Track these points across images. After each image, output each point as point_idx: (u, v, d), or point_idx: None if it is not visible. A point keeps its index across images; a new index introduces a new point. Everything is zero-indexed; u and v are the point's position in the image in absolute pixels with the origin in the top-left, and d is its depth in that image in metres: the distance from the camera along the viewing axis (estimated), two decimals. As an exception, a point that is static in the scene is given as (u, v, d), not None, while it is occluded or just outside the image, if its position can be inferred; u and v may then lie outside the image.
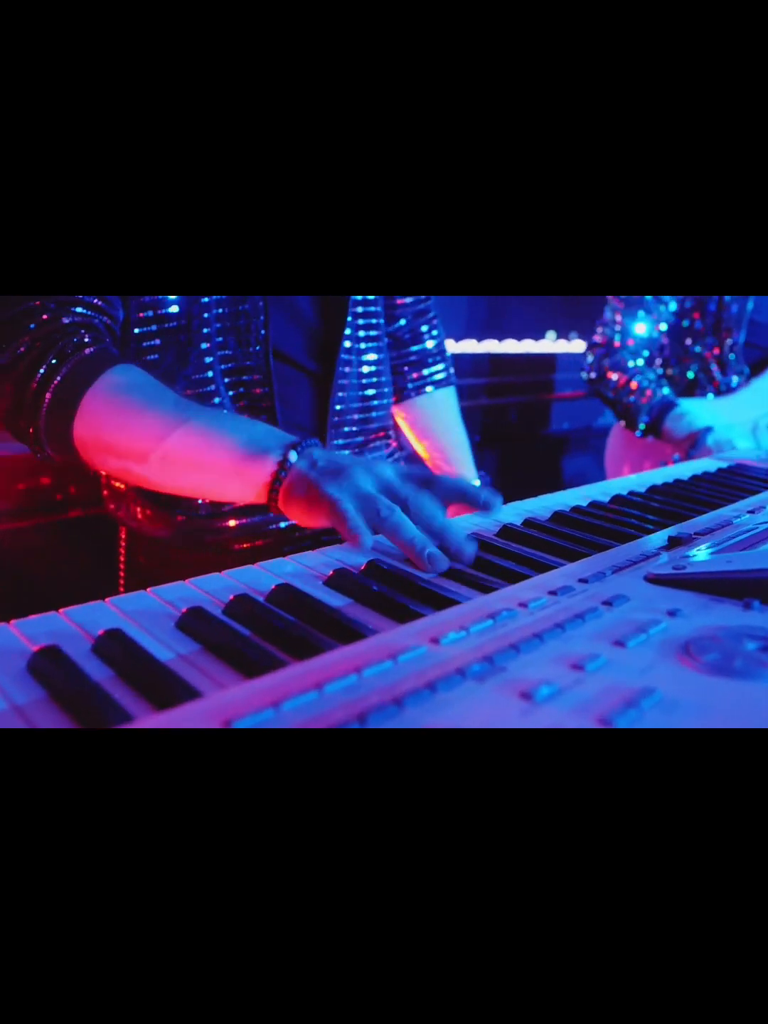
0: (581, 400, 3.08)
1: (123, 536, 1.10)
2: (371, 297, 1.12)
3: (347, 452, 0.73)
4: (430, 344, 1.31)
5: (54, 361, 0.80)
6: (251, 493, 0.74)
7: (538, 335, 3.33)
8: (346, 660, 0.46)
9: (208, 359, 0.97)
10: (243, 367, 0.99)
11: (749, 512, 0.91)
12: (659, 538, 0.78)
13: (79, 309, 0.86)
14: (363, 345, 1.12)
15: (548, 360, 2.94)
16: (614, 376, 1.98)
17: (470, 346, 2.80)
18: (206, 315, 0.96)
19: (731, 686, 0.44)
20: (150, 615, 0.57)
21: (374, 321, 1.14)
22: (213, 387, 0.98)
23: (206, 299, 0.95)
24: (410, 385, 1.31)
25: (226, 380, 0.99)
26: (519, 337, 3.08)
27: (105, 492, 1.10)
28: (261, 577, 0.66)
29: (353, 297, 1.09)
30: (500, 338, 2.96)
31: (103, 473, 0.88)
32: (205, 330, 0.96)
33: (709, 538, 0.78)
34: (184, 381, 0.97)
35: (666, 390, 1.96)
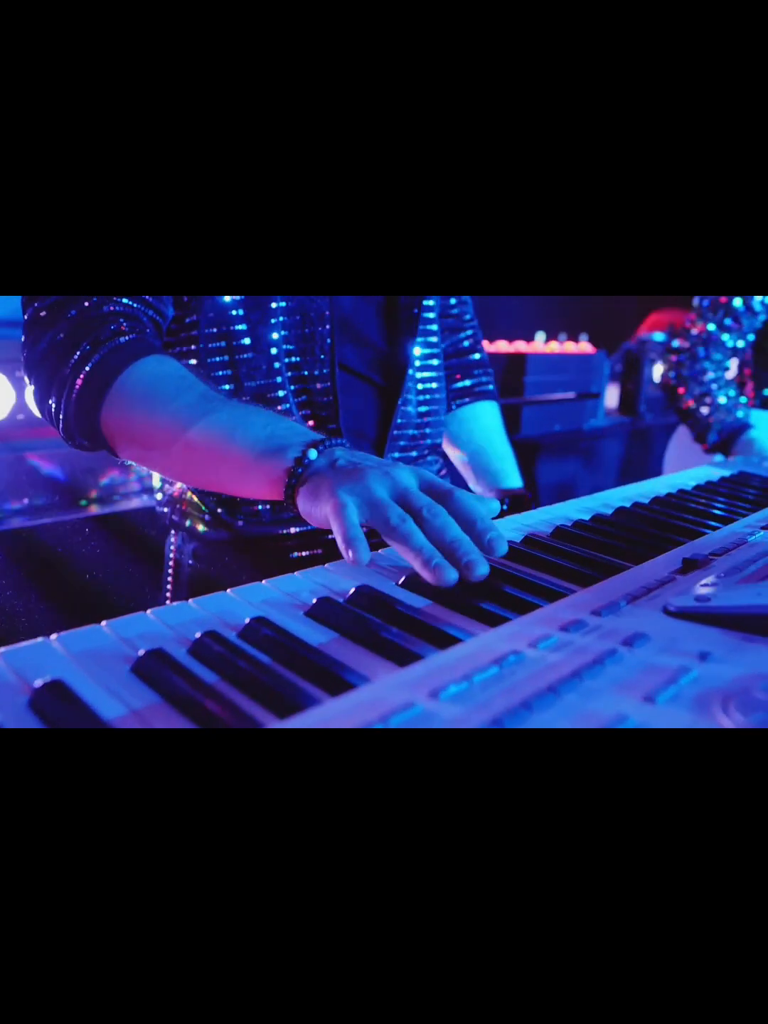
0: (553, 405, 3.01)
1: (174, 540, 1.09)
2: (432, 315, 1.12)
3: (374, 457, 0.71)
4: (475, 356, 1.31)
5: (88, 347, 0.79)
6: (268, 488, 0.72)
7: (527, 336, 3.27)
8: (331, 721, 0.39)
9: (276, 364, 0.97)
10: (308, 376, 0.99)
11: (763, 528, 0.85)
12: (672, 560, 0.71)
13: (125, 300, 0.85)
14: (419, 361, 1.11)
15: (518, 362, 2.87)
16: (692, 387, 1.92)
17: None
18: (272, 321, 0.96)
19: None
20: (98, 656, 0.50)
21: (433, 339, 1.14)
22: (281, 392, 0.98)
23: (273, 305, 0.96)
24: (452, 399, 1.30)
25: (293, 388, 0.99)
26: (510, 339, 3.01)
27: (159, 495, 1.09)
28: (234, 606, 0.59)
29: (423, 314, 1.09)
30: (492, 339, 2.90)
31: (131, 463, 0.86)
32: (272, 337, 0.97)
33: (726, 560, 0.72)
34: (251, 385, 0.97)
35: (740, 413, 1.89)
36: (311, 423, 1.01)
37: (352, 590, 0.61)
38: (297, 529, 1.00)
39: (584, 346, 3.34)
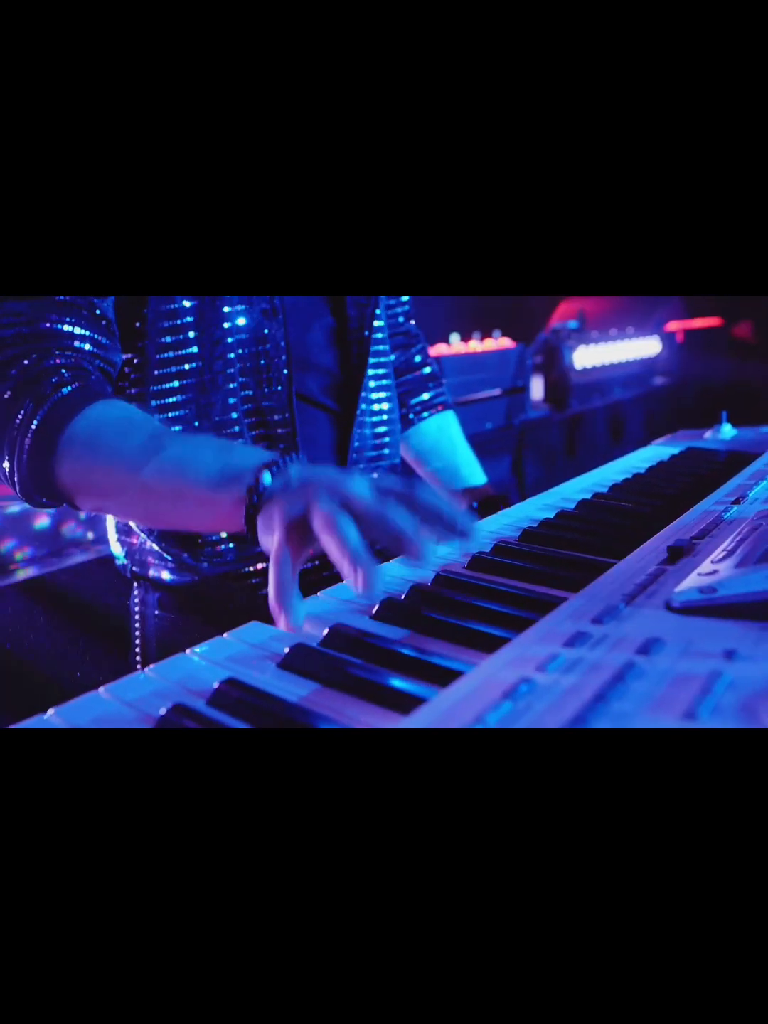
0: (481, 404, 2.99)
1: (137, 593, 1.04)
2: (381, 336, 1.10)
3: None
4: (426, 370, 1.29)
5: (31, 405, 0.76)
6: (231, 522, 0.66)
7: (443, 338, 3.25)
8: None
9: (232, 399, 0.94)
10: (265, 408, 0.96)
11: (733, 503, 0.82)
12: (654, 549, 0.67)
13: (57, 351, 0.80)
14: (373, 383, 1.09)
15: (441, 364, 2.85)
16: None
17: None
18: (229, 355, 0.93)
19: None
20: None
21: (383, 360, 1.11)
22: (237, 429, 0.94)
23: (229, 340, 0.93)
24: (410, 415, 1.28)
25: (248, 421, 0.96)
26: (429, 343, 2.99)
27: (118, 548, 1.05)
28: (195, 668, 0.52)
29: (373, 336, 1.07)
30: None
31: (89, 513, 0.80)
32: (229, 371, 0.94)
33: (709, 541, 0.68)
34: (207, 424, 0.94)
35: None
36: None
37: (325, 631, 0.55)
38: (263, 565, 0.96)
39: (502, 342, 3.33)
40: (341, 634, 0.54)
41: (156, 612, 1.01)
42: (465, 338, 3.36)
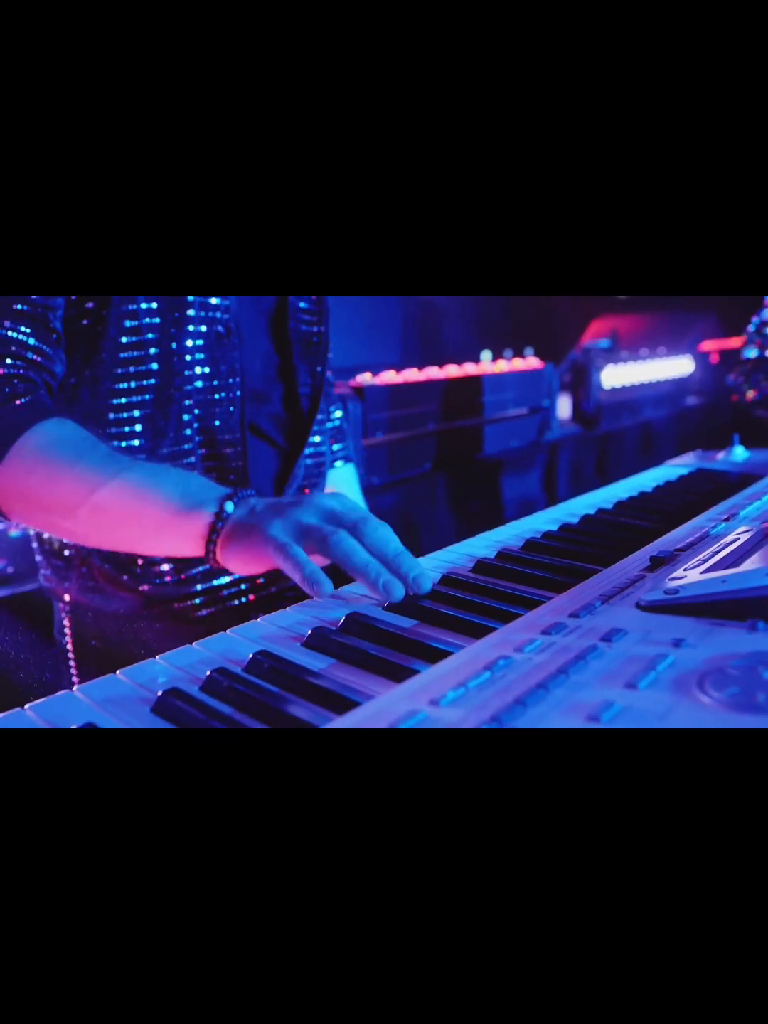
0: (510, 421, 3.07)
1: (68, 623, 1.02)
2: (320, 369, 1.11)
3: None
4: (336, 422, 1.27)
5: None
6: (187, 545, 0.74)
7: (474, 357, 3.34)
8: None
9: (187, 422, 0.94)
10: (219, 438, 0.97)
11: (724, 521, 0.90)
12: (640, 559, 0.75)
13: (9, 360, 0.82)
14: (317, 419, 1.11)
15: (474, 384, 2.93)
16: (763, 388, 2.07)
17: (412, 374, 2.79)
18: (187, 373, 0.93)
19: (760, 723, 0.41)
20: (120, 701, 0.52)
21: (323, 403, 1.13)
22: (191, 458, 0.95)
23: (188, 358, 0.93)
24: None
25: (202, 452, 0.96)
26: (459, 362, 3.07)
27: (46, 570, 1.03)
28: (235, 644, 0.62)
29: (316, 369, 1.09)
30: (441, 364, 2.95)
31: (21, 526, 0.84)
32: (186, 388, 0.93)
33: (690, 553, 0.76)
34: (160, 445, 0.94)
35: None
36: None
37: (342, 619, 0.64)
38: (202, 586, 0.98)
39: (531, 361, 3.42)
40: (356, 621, 0.64)
41: (94, 642, 1.00)
42: (496, 357, 3.45)
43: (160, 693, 0.51)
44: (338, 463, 1.28)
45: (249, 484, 0.98)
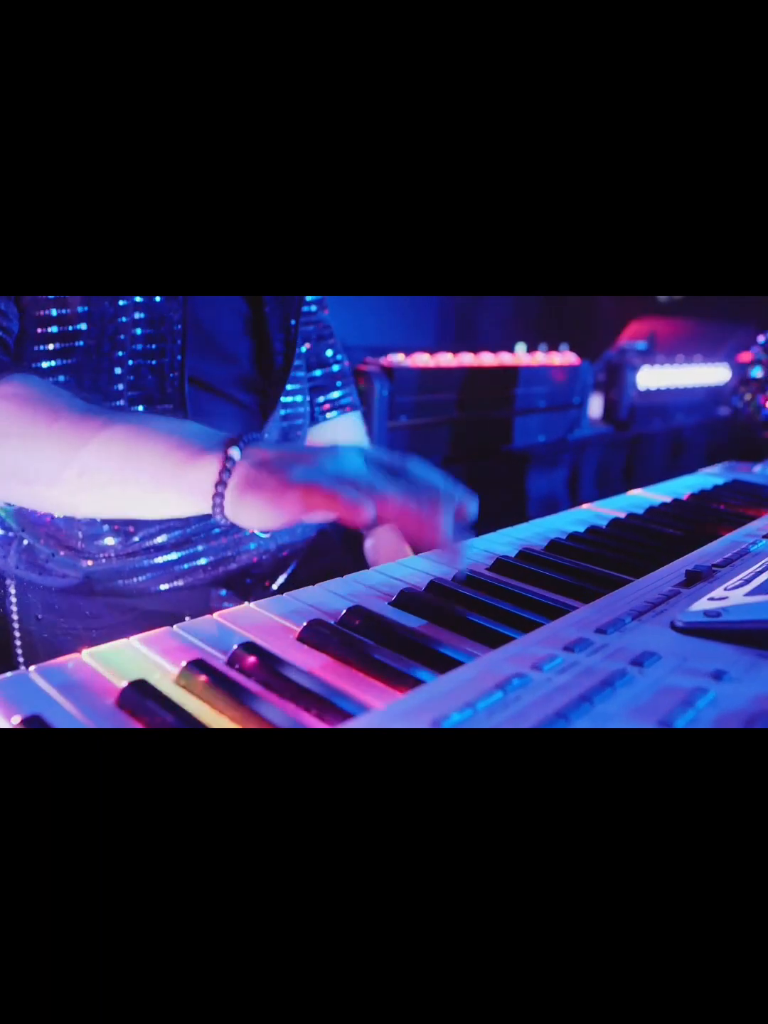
0: (540, 414, 2.99)
1: (13, 591, 0.94)
2: (294, 323, 1.02)
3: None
4: (335, 368, 1.20)
5: None
6: (190, 502, 0.64)
7: (509, 348, 3.26)
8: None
9: (118, 384, 0.85)
10: (154, 393, 0.87)
11: (764, 537, 0.83)
12: (674, 572, 0.69)
13: None
14: (292, 383, 1.03)
15: (510, 374, 2.85)
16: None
17: (446, 359, 2.71)
18: (122, 337, 0.85)
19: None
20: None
21: (301, 350, 1.06)
22: (120, 402, 0.86)
23: (123, 319, 0.84)
24: (317, 412, 1.21)
25: (132, 394, 0.87)
26: (493, 350, 3.00)
27: None
28: (226, 635, 0.56)
29: (290, 323, 1.00)
30: (475, 351, 2.87)
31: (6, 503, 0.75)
32: (118, 354, 0.85)
33: (730, 570, 0.69)
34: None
35: None
36: None
37: (342, 611, 0.58)
38: (148, 562, 0.91)
39: (567, 356, 3.33)
40: (359, 614, 0.58)
41: (39, 616, 0.93)
42: (530, 349, 3.37)
43: (124, 685, 0.45)
44: (332, 414, 1.18)
45: None
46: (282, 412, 1.02)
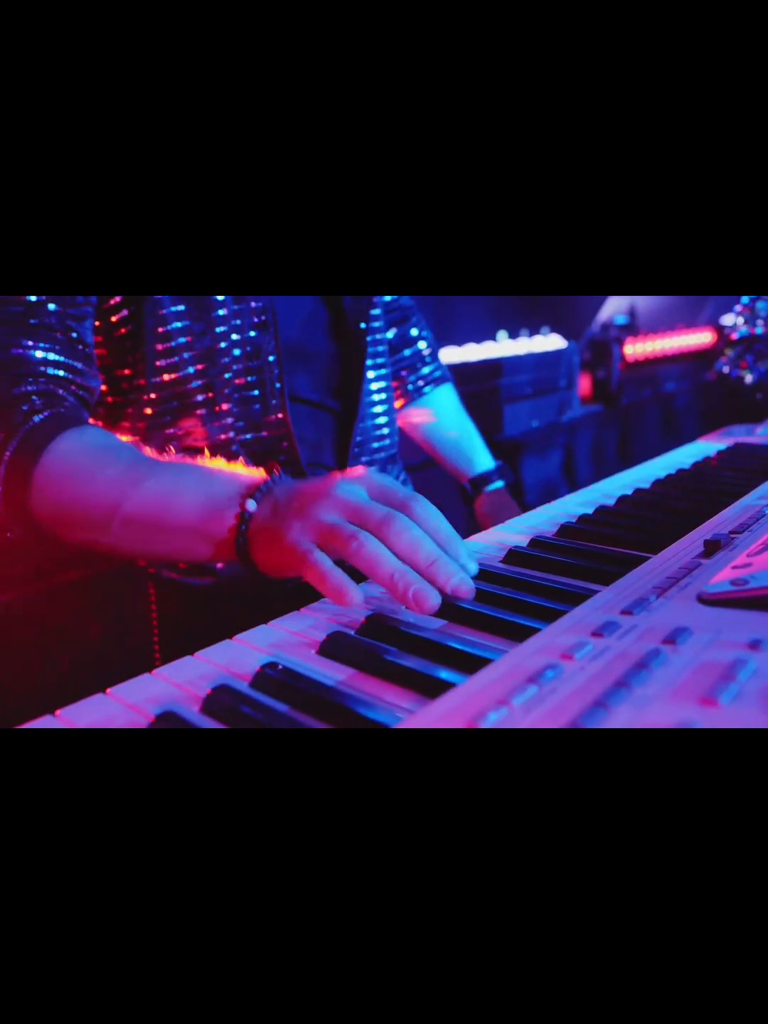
0: (526, 401, 2.97)
1: (152, 593, 1.00)
2: (378, 324, 1.07)
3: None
4: (422, 346, 1.26)
5: (2, 436, 0.74)
6: (223, 553, 0.67)
7: (490, 337, 3.25)
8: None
9: (228, 418, 0.90)
10: (259, 421, 0.92)
11: (777, 498, 0.82)
12: (692, 543, 0.68)
13: (28, 379, 0.77)
14: (372, 373, 1.06)
15: (495, 365, 2.83)
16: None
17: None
18: (226, 375, 0.89)
19: None
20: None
21: (381, 348, 1.09)
22: (234, 447, 0.91)
23: (225, 360, 0.89)
24: (409, 388, 1.27)
25: (243, 438, 0.92)
26: (476, 341, 2.99)
27: None
28: (242, 654, 0.54)
29: (371, 324, 1.04)
30: (459, 343, 2.86)
31: (77, 547, 0.78)
32: (225, 392, 0.90)
33: (748, 535, 0.68)
34: (204, 438, 0.91)
35: None
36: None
37: (362, 620, 0.57)
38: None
39: (553, 339, 3.32)
40: (377, 622, 0.56)
41: (176, 611, 0.99)
42: (513, 336, 3.36)
43: (154, 715, 0.44)
44: (427, 388, 1.25)
45: (300, 461, 0.92)
46: (373, 408, 1.06)
